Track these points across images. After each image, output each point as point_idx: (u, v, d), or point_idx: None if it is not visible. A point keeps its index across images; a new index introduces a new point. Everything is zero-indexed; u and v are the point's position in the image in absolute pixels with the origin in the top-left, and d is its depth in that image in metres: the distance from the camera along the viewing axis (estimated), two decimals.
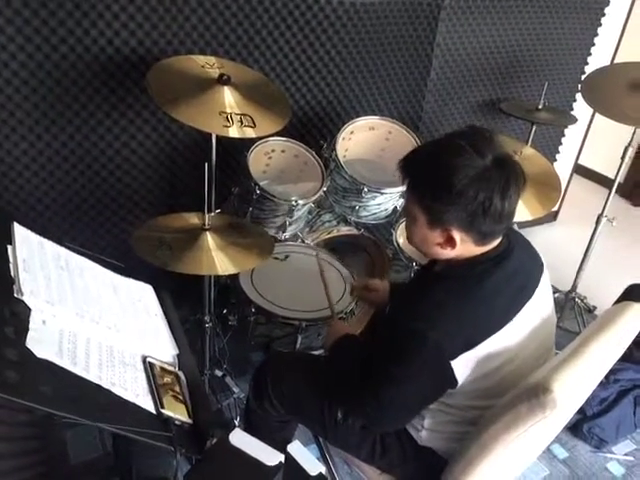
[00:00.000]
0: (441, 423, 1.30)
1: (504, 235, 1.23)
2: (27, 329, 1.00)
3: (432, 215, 1.16)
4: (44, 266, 1.23)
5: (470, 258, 1.20)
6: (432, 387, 1.21)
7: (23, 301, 1.06)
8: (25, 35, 1.77)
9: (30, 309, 1.05)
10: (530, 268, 1.29)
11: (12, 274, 1.12)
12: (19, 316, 1.02)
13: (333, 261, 2.12)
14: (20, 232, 1.28)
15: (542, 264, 1.32)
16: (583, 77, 2.70)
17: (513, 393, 1.15)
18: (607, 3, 2.97)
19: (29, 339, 0.98)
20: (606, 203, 2.56)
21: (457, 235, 1.15)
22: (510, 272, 1.21)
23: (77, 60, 1.89)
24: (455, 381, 1.16)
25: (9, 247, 1.20)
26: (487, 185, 1.10)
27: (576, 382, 1.12)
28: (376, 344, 1.26)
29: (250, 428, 1.61)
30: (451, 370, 1.14)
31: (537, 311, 1.26)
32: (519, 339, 1.21)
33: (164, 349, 1.26)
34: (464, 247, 1.18)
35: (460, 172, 1.09)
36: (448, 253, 1.19)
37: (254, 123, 1.69)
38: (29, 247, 1.25)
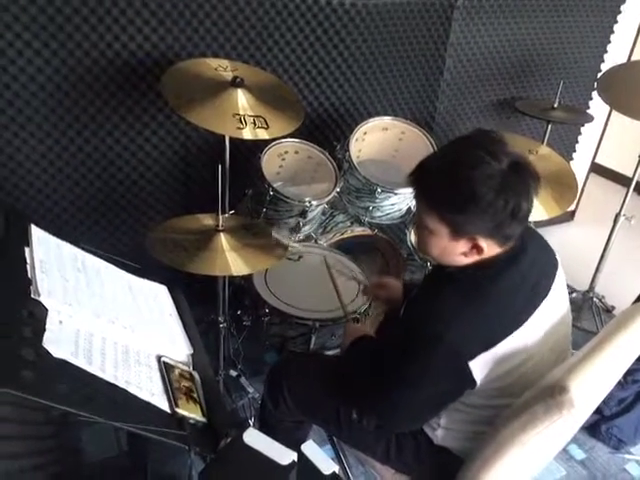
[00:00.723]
0: (457, 422, 1.29)
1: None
2: (44, 329, 1.02)
3: (456, 227, 1.13)
4: (61, 267, 1.24)
5: (482, 260, 1.18)
6: (450, 389, 1.20)
7: (40, 302, 1.08)
8: (42, 40, 1.80)
9: (47, 309, 1.07)
10: (544, 265, 1.27)
11: (29, 275, 1.14)
12: (36, 316, 1.04)
13: (346, 261, 2.12)
14: (37, 234, 1.30)
15: (556, 260, 1.31)
16: (599, 75, 2.67)
17: (530, 393, 1.14)
18: (623, 0, 2.94)
19: (46, 339, 1.00)
20: (624, 202, 2.54)
21: (483, 242, 1.14)
22: (525, 270, 1.20)
23: (93, 65, 1.92)
24: (474, 382, 1.15)
25: (26, 249, 1.22)
26: (513, 191, 1.09)
27: (593, 382, 1.10)
28: (391, 346, 1.25)
29: (265, 428, 1.62)
30: (469, 371, 1.13)
31: (553, 309, 1.25)
32: (536, 337, 1.20)
33: (178, 349, 1.27)
34: (489, 250, 1.16)
35: (484, 183, 1.07)
36: (471, 259, 1.18)
37: (267, 125, 1.70)
38: (46, 249, 1.27)
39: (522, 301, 1.19)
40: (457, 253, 1.17)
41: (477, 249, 1.15)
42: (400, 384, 1.19)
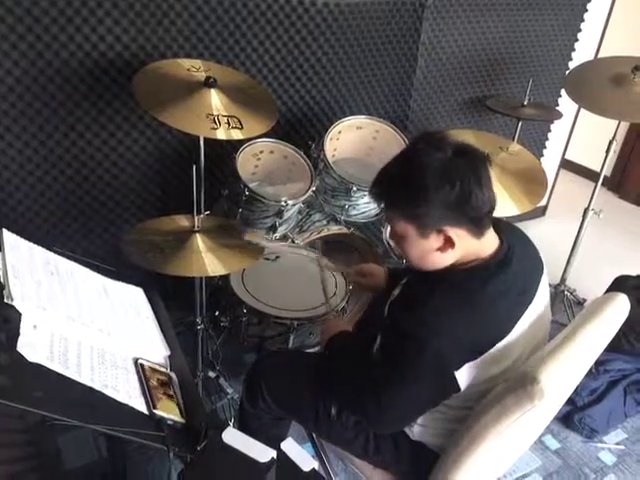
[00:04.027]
0: (434, 420, 1.31)
1: (503, 240, 1.23)
2: (18, 334, 1.01)
3: (419, 222, 1.15)
4: (34, 271, 1.23)
5: (470, 267, 1.19)
6: (434, 393, 1.21)
7: (13, 306, 1.06)
8: (10, 42, 1.78)
9: (20, 314, 1.06)
10: (531, 271, 1.28)
11: (2, 280, 1.12)
12: (10, 321, 1.03)
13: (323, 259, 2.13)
14: (9, 238, 1.28)
15: (542, 265, 1.32)
16: (567, 72, 2.73)
17: (502, 385, 1.16)
18: None
19: (20, 344, 0.99)
20: (592, 196, 2.59)
21: (452, 232, 1.14)
22: (512, 276, 1.20)
23: (63, 66, 1.89)
24: (458, 388, 1.17)
25: None
26: (458, 173, 1.11)
27: (563, 372, 1.13)
28: (376, 351, 1.25)
29: (244, 428, 1.62)
30: (454, 379, 1.15)
31: (537, 313, 1.27)
32: (522, 341, 1.21)
33: (155, 351, 1.27)
34: (464, 243, 1.16)
35: (428, 170, 1.11)
36: (451, 256, 1.18)
37: (241, 125, 1.70)
38: (18, 253, 1.26)
39: (508, 309, 1.19)
40: (433, 250, 1.18)
41: (450, 242, 1.16)
42: (386, 386, 1.20)
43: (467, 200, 1.11)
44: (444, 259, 1.19)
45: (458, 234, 1.15)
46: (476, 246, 1.19)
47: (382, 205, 1.23)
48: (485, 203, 1.14)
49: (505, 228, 1.28)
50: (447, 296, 1.17)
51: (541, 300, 1.28)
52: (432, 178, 1.11)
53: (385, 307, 1.28)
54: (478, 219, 1.16)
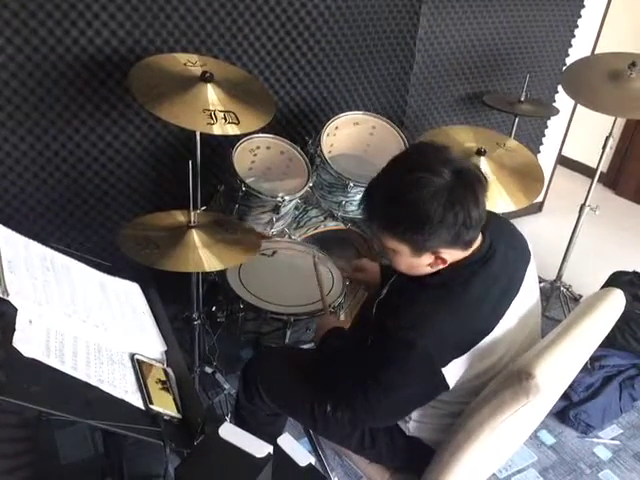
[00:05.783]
0: (429, 416, 1.32)
1: (485, 234, 1.23)
2: (14, 329, 1.01)
3: (415, 245, 1.15)
4: (30, 267, 1.23)
5: (454, 264, 1.19)
6: (423, 393, 1.22)
7: (9, 301, 1.06)
8: (5, 37, 1.77)
9: (16, 309, 1.06)
10: (516, 262, 1.28)
11: None
12: (5, 316, 1.03)
13: (320, 256, 2.13)
14: (4, 233, 1.27)
15: (529, 253, 1.32)
16: (564, 68, 2.73)
17: (498, 380, 1.17)
18: None
19: (16, 339, 0.98)
20: (589, 192, 2.60)
21: (445, 253, 1.15)
22: (495, 272, 1.21)
23: (58, 61, 1.88)
24: (447, 386, 1.18)
25: None
26: (460, 202, 1.10)
27: (559, 367, 1.14)
28: (366, 350, 1.26)
29: (241, 424, 1.62)
30: (442, 376, 1.15)
31: (524, 305, 1.27)
32: (508, 336, 1.22)
33: (152, 346, 1.26)
34: (454, 257, 1.18)
35: (430, 202, 1.08)
36: (438, 267, 1.19)
37: (238, 120, 1.69)
38: (14, 248, 1.25)
39: (493, 305, 1.20)
40: (423, 265, 1.19)
41: (441, 260, 1.17)
42: (375, 387, 1.21)
43: (466, 226, 1.12)
44: (431, 270, 1.21)
45: (449, 252, 1.17)
46: (463, 255, 1.20)
47: (373, 224, 1.19)
48: (480, 221, 1.14)
49: (490, 219, 1.26)
50: (431, 298, 1.18)
51: (528, 292, 1.28)
52: (435, 209, 1.08)
53: (373, 307, 1.29)
54: (472, 239, 1.17)
